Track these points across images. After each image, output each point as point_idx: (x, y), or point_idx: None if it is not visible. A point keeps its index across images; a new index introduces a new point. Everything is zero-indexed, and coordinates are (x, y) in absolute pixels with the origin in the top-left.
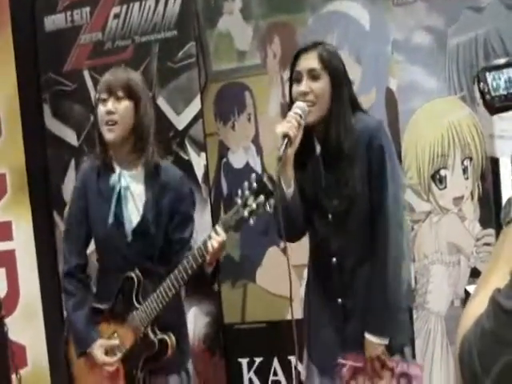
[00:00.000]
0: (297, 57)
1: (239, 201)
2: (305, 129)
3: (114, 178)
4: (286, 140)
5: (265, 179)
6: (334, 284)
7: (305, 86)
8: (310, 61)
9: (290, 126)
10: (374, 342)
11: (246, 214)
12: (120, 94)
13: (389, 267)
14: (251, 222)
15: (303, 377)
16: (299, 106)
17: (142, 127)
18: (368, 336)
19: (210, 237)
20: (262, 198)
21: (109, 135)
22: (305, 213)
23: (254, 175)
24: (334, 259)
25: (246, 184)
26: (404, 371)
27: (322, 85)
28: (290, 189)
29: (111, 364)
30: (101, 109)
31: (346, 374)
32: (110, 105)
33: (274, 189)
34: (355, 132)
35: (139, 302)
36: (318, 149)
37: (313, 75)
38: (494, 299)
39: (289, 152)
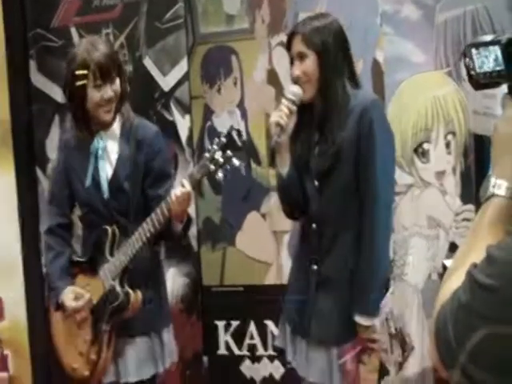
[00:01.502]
0: (289, 41)
1: (207, 155)
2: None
3: (96, 143)
4: (278, 129)
5: (233, 134)
6: (311, 250)
7: (295, 69)
8: (296, 44)
9: (281, 114)
10: (365, 324)
11: (212, 167)
12: (113, 75)
13: (377, 249)
14: (219, 176)
15: (277, 336)
16: (292, 91)
17: (124, 94)
18: (359, 319)
19: (175, 189)
20: (229, 153)
21: (107, 117)
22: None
23: (224, 131)
24: (314, 225)
25: (215, 139)
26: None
27: (309, 64)
28: (285, 168)
29: (79, 310)
30: (95, 94)
31: (353, 366)
32: (109, 91)
33: (243, 144)
34: (349, 103)
35: (112, 255)
36: (316, 120)
37: (301, 57)
38: (470, 274)
39: (282, 139)
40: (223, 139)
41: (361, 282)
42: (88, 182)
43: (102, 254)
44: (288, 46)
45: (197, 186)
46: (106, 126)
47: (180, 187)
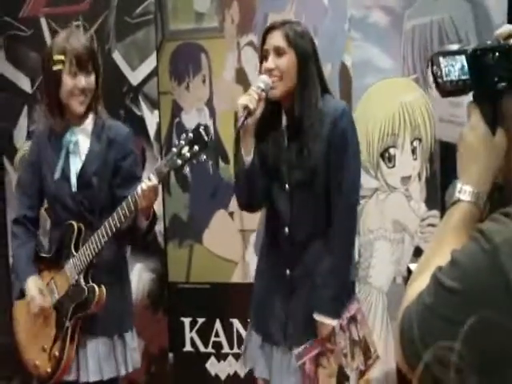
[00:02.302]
0: (265, 35)
1: (174, 149)
2: (274, 101)
3: (66, 136)
4: (245, 112)
5: (201, 130)
6: (283, 254)
7: (270, 62)
8: (276, 38)
9: (250, 98)
10: (324, 322)
11: (179, 162)
12: (89, 67)
13: (342, 253)
14: (186, 171)
15: (245, 341)
16: (262, 80)
17: (99, 92)
18: (318, 317)
19: (142, 182)
20: (196, 148)
21: (80, 108)
22: (264, 183)
23: (192, 127)
24: (287, 229)
25: (183, 135)
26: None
27: (287, 60)
28: (249, 157)
29: (38, 300)
30: (69, 82)
31: (311, 368)
32: (84, 81)
33: (211, 141)
34: (321, 110)
35: (77, 251)
36: (285, 121)
37: (278, 52)
38: (434, 276)
39: (249, 123)
40: (190, 135)
41: (321, 281)
42: (57, 174)
43: (67, 249)
44: (263, 39)
45: (163, 180)
46: (78, 119)
47: (147, 181)
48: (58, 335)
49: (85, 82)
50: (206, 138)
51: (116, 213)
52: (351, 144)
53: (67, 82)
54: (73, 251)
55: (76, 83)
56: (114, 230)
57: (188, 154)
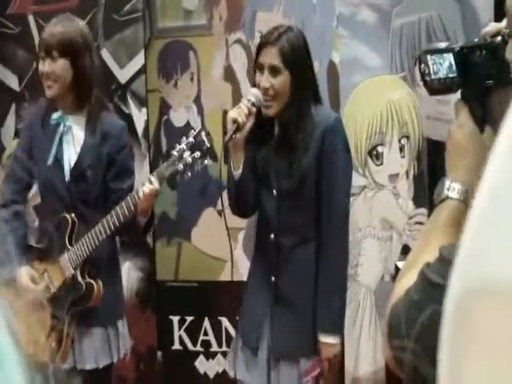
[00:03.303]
0: (259, 49)
1: (175, 153)
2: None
3: (56, 115)
4: (234, 126)
5: (203, 135)
6: (270, 261)
7: (265, 80)
8: (271, 56)
9: (240, 112)
10: (330, 342)
11: (180, 167)
12: (55, 54)
13: (338, 266)
14: (188, 176)
15: (229, 356)
16: (253, 93)
17: (83, 81)
18: (323, 338)
19: (143, 185)
20: (197, 153)
21: (48, 92)
22: (255, 190)
23: (192, 131)
24: (272, 235)
25: (184, 138)
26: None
27: (282, 80)
28: (238, 171)
29: (34, 291)
30: (40, 67)
31: None
32: (47, 66)
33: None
34: (312, 120)
35: (71, 244)
36: (276, 131)
37: (273, 70)
38: (422, 273)
39: (238, 137)
40: (192, 140)
41: (324, 300)
42: (50, 160)
43: (61, 242)
44: (257, 54)
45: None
46: (71, 108)
47: (148, 183)
48: (54, 327)
49: (48, 67)
50: (207, 143)
51: (115, 211)
52: (342, 155)
53: (39, 66)
54: (67, 245)
55: (40, 68)
56: (113, 227)
57: (190, 159)
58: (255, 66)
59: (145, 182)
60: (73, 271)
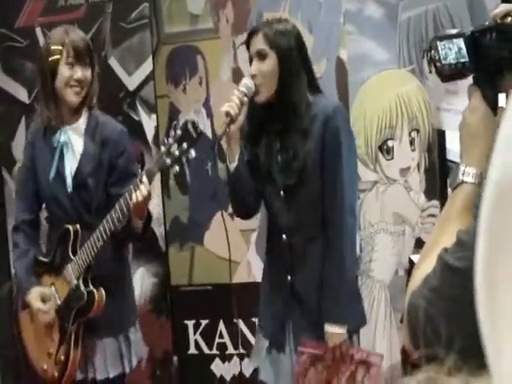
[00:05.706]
0: (248, 40)
1: (163, 148)
2: (266, 104)
3: (57, 135)
4: (228, 118)
5: (189, 126)
6: (284, 260)
7: (253, 67)
8: (257, 42)
9: (232, 104)
10: (336, 332)
11: (168, 161)
12: (87, 60)
13: (345, 257)
14: (176, 170)
15: (255, 341)
16: (244, 83)
17: (94, 88)
18: (329, 327)
19: (134, 186)
20: (185, 145)
21: (75, 98)
22: (259, 188)
23: (179, 123)
24: (284, 236)
25: (171, 132)
26: (364, 359)
27: (269, 64)
28: (233, 164)
29: (44, 311)
30: (66, 72)
31: (306, 361)
32: (80, 73)
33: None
34: (310, 109)
35: (75, 254)
36: (276, 125)
37: (260, 55)
38: (440, 258)
39: (232, 129)
40: (179, 132)
41: (329, 290)
42: (52, 174)
43: (65, 254)
44: (247, 43)
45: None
46: (72, 116)
47: (139, 183)
48: (63, 339)
49: (81, 73)
50: (194, 135)
51: (109, 216)
52: (345, 143)
53: (64, 71)
54: (70, 255)
55: (72, 74)
56: (109, 232)
57: (177, 152)
58: (249, 59)
59: (136, 183)
60: (75, 281)
